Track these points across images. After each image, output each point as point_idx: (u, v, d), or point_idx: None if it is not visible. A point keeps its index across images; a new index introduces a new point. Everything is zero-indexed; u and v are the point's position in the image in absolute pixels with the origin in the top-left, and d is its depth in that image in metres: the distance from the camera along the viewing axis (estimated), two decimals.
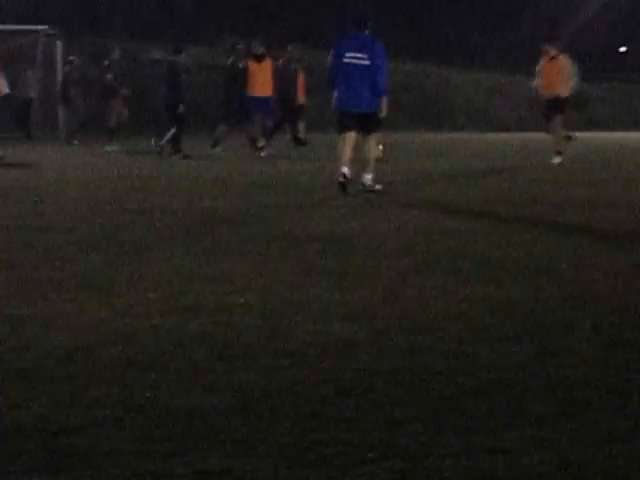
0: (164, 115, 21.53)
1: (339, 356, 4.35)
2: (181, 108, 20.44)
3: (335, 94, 12.52)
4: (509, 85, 45.81)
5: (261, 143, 20.11)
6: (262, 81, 20.10)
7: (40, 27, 28.48)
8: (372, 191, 11.91)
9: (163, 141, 20.48)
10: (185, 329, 4.84)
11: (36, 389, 3.84)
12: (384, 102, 12.38)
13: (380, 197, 11.58)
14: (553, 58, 18.35)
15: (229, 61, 21.38)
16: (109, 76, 23.91)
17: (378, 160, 18.11)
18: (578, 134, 21.71)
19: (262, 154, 19.82)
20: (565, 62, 18.31)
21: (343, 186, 12.04)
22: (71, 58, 26.73)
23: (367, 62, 12.17)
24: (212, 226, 8.88)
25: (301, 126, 24.96)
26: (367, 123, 12.37)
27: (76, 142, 25.75)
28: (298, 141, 24.24)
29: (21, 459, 3.13)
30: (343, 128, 12.49)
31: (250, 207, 10.44)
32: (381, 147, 19.27)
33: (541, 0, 52.96)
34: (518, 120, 44.28)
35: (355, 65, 12.21)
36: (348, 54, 12.26)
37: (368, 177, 12.16)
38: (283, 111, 24.19)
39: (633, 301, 5.50)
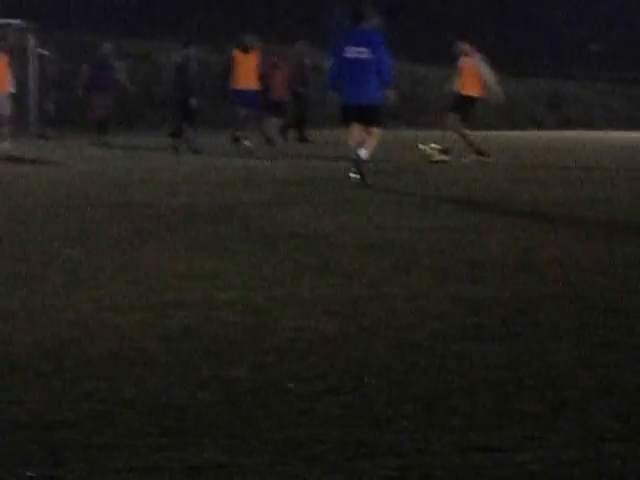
0: (173, 110, 21.23)
1: (326, 353, 4.36)
2: (193, 102, 20.13)
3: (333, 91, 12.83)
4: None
5: (238, 134, 20.03)
6: (245, 73, 19.89)
7: (12, 21, 28.24)
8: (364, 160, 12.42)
9: (194, 142, 20.16)
10: (170, 324, 4.84)
11: (25, 384, 3.83)
12: (392, 91, 12.79)
13: (361, 194, 11.59)
14: (467, 56, 18.26)
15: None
16: (87, 71, 23.73)
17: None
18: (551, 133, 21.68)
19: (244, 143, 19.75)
20: (480, 60, 18.17)
21: (356, 163, 12.52)
22: (44, 53, 26.52)
23: (368, 55, 12.36)
24: (192, 222, 8.85)
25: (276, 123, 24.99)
26: (367, 115, 12.55)
27: (47, 132, 25.70)
28: (270, 141, 24.25)
29: (17, 453, 3.13)
30: (346, 121, 12.83)
31: (229, 203, 10.42)
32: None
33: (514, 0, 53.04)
34: (489, 119, 44.26)
35: (357, 59, 12.46)
36: (350, 49, 12.53)
37: (363, 151, 12.51)
38: (297, 107, 24.48)
39: (620, 300, 5.52)
